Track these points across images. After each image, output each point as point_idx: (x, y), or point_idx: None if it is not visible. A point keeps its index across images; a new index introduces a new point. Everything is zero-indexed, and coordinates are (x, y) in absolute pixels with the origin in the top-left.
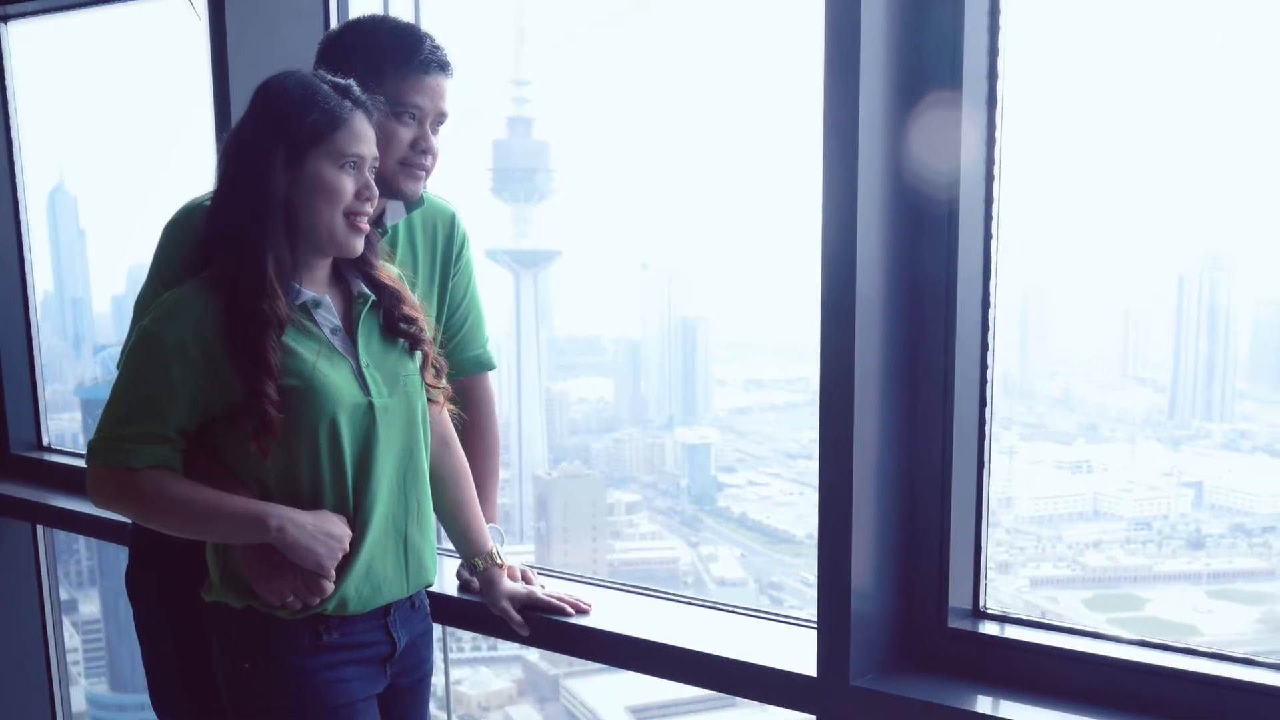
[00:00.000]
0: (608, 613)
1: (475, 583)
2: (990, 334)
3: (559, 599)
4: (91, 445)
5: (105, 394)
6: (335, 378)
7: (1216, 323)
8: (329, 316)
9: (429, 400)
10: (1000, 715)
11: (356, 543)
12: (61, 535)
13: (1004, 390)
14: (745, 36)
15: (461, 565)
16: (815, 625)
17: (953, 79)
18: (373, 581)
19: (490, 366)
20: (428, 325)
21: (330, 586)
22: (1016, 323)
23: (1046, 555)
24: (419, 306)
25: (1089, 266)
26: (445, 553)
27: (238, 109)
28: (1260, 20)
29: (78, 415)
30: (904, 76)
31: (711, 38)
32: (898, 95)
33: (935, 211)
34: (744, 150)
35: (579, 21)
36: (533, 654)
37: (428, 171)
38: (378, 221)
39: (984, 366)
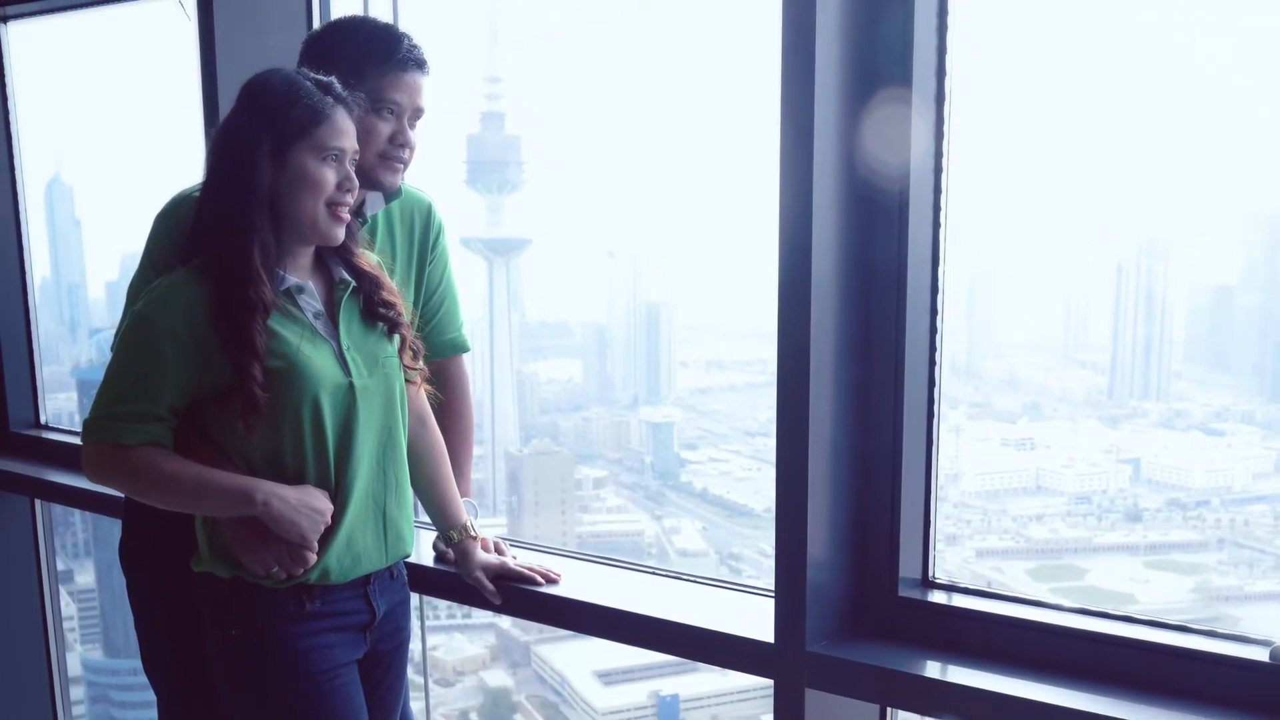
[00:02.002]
0: (576, 582)
1: (450, 554)
2: (939, 318)
3: (530, 569)
4: (87, 424)
5: (100, 375)
6: (318, 359)
7: (1153, 308)
8: (312, 301)
9: (407, 381)
10: (948, 680)
11: (338, 516)
12: (58, 509)
13: (951, 371)
14: (706, 36)
15: (438, 537)
16: (773, 594)
17: (903, 76)
18: (353, 553)
19: (465, 349)
20: (405, 310)
21: (313, 558)
22: (964, 307)
23: (992, 528)
24: (397, 292)
25: (1032, 254)
26: (422, 525)
27: (225, 105)
28: (1195, 19)
29: (74, 395)
30: (857, 74)
31: (674, 38)
32: (851, 91)
33: (887, 202)
34: (706, 144)
35: (549, 22)
36: (505, 621)
37: (405, 164)
38: (358, 211)
39: (933, 349)
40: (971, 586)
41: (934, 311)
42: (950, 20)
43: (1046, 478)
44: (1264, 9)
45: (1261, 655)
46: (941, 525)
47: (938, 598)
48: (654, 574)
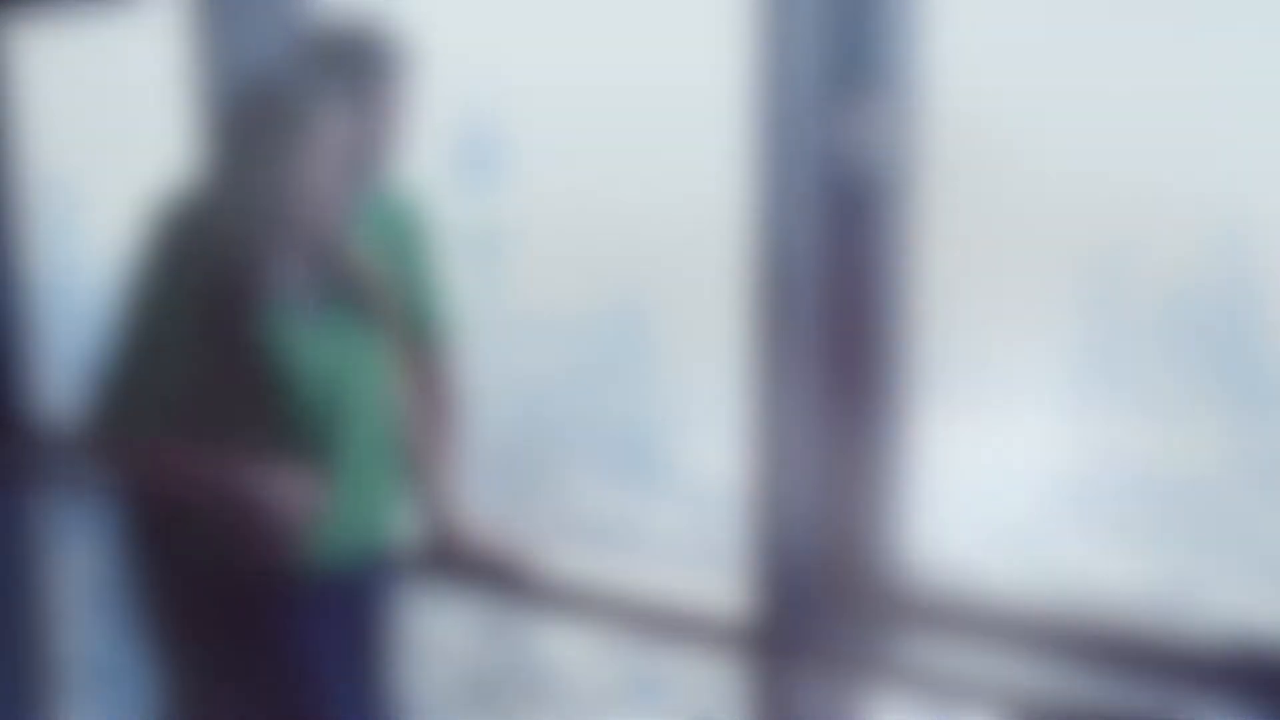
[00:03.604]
0: (554, 563)
1: (436, 537)
2: (917, 308)
3: (513, 552)
4: (84, 412)
5: (96, 366)
6: (311, 350)
7: (1123, 298)
8: (304, 294)
9: (397, 371)
10: (927, 660)
11: (326, 498)
12: (56, 495)
13: (935, 355)
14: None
15: (423, 520)
16: (751, 574)
17: (881, 67)
18: (341, 533)
19: (453, 340)
20: (394, 303)
21: (302, 539)
22: (943, 295)
23: (970, 511)
24: (387, 285)
25: (1003, 245)
26: (409, 507)
27: (217, 104)
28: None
29: (70, 385)
30: (835, 62)
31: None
32: (828, 80)
33: (867, 188)
34: (678, 138)
35: (532, 22)
36: (486, 601)
37: (394, 160)
38: (348, 207)
39: (915, 335)
40: (952, 568)
41: (914, 299)
42: (927, 16)
43: (1028, 463)
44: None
45: (1230, 637)
46: (921, 507)
47: (915, 578)
48: (631, 554)
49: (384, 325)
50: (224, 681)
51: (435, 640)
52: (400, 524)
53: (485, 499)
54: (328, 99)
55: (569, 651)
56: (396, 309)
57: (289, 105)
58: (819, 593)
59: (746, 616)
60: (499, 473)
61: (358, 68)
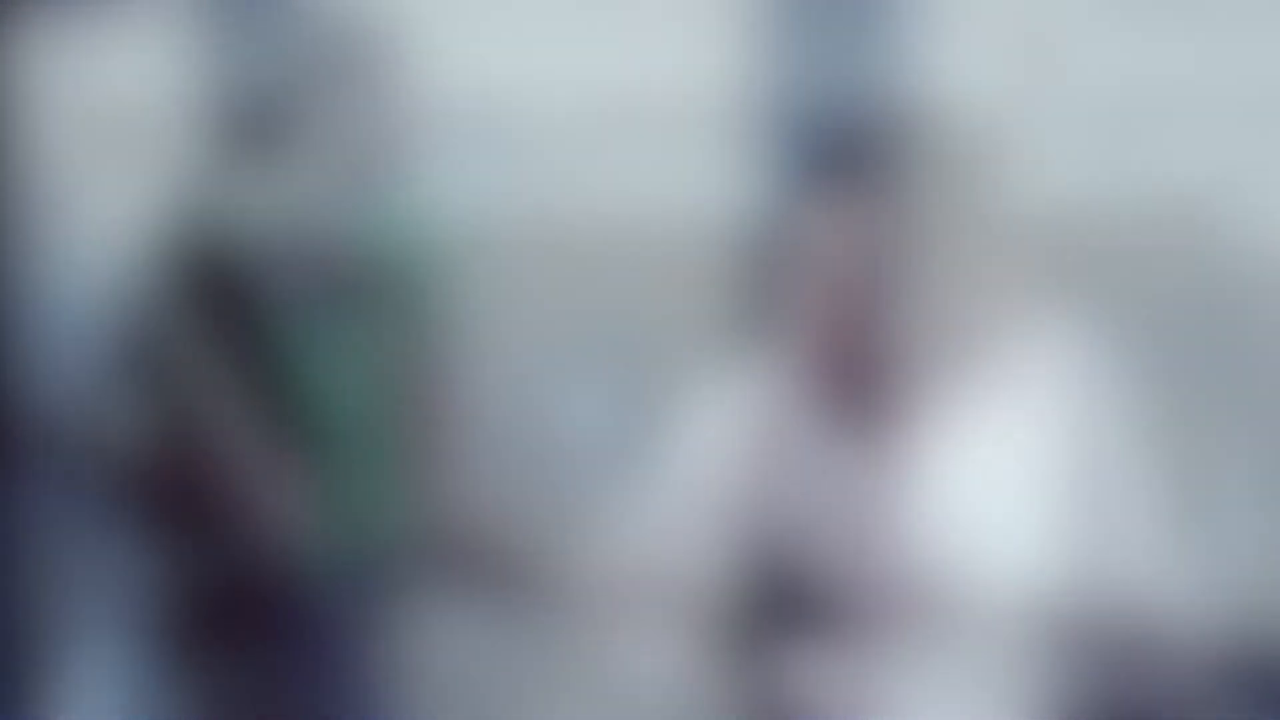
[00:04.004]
0: (555, 562)
1: (436, 535)
2: (919, 307)
3: (513, 550)
4: (84, 413)
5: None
6: (312, 350)
7: (1122, 297)
8: (305, 295)
9: (399, 370)
10: (928, 659)
11: (327, 498)
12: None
13: (938, 356)
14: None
15: (423, 519)
16: (750, 572)
17: (882, 71)
18: (342, 533)
19: (455, 339)
20: (395, 303)
21: (302, 540)
22: None
23: (975, 510)
24: (388, 286)
25: None
26: (408, 507)
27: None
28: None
29: (72, 386)
30: (836, 65)
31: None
32: (829, 84)
33: (868, 192)
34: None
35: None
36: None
37: (394, 163)
38: (348, 209)
39: (918, 336)
40: (950, 566)
41: (916, 298)
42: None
43: (1026, 461)
44: None
45: (1230, 637)
46: (922, 505)
47: (917, 577)
48: (630, 552)
49: (385, 325)
50: (223, 681)
51: (435, 640)
52: (400, 524)
53: (485, 498)
54: (329, 101)
55: (568, 650)
56: (397, 308)
57: (290, 108)
58: (818, 591)
59: (745, 614)
60: (498, 472)
61: (359, 70)
